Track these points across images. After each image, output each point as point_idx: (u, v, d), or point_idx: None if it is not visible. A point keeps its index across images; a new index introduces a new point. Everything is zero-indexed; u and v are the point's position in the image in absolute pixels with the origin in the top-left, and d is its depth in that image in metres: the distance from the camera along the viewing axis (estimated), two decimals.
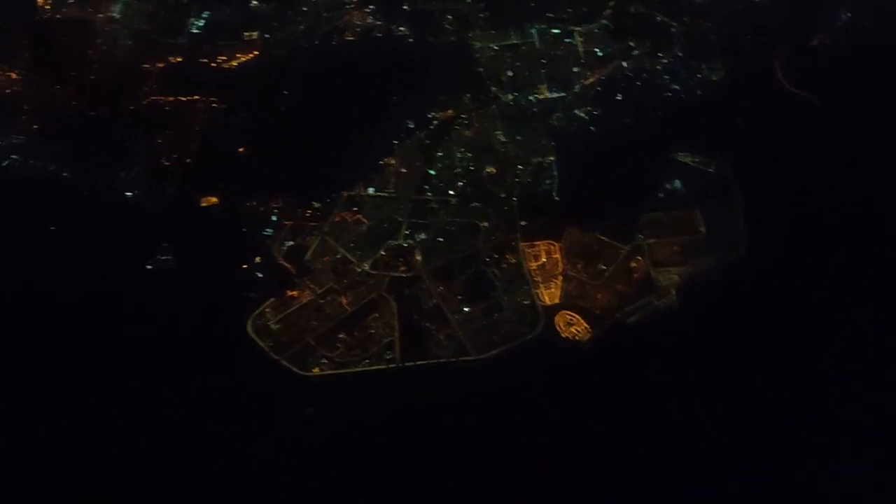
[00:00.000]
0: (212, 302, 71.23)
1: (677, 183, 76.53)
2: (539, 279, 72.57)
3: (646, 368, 69.26)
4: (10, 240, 73.61)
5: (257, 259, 73.63)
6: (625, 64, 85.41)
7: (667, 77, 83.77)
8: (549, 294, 71.77)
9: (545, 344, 70.78)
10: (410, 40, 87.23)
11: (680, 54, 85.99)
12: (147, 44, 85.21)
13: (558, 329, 69.92)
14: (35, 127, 79.80)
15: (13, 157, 77.73)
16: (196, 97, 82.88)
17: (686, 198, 77.19)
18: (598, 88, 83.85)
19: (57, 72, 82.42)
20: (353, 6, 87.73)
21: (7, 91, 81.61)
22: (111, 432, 66.24)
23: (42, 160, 78.06)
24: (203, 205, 76.56)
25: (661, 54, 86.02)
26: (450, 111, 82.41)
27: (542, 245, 74.47)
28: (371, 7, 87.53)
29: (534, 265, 73.16)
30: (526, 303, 72.03)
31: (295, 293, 71.73)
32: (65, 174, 77.44)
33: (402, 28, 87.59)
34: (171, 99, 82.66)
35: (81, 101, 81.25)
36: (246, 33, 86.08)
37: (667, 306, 72.34)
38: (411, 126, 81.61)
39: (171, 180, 78.04)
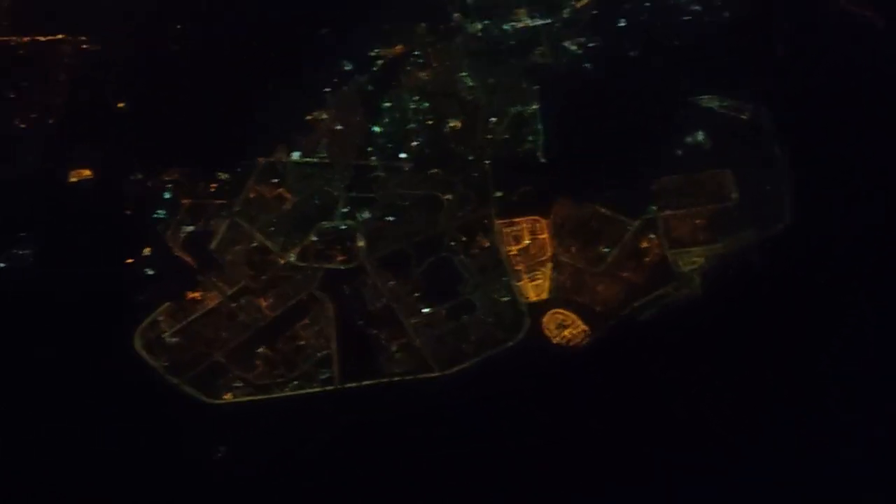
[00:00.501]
0: (86, 310, 68.74)
1: (701, 135, 74.99)
2: (522, 268, 71.02)
3: (662, 379, 67.69)
4: None
5: (146, 251, 71.22)
6: None
7: None
8: (536, 287, 70.26)
9: (531, 353, 68.75)
10: None
11: None
12: None
13: (548, 333, 68.46)
14: None
15: None
16: (60, 36, 79.96)
17: (713, 155, 75.34)
18: (595, 12, 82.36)
19: None
20: None
21: None
22: None
23: None
24: (72, 180, 74.19)
25: None
26: (399, 47, 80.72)
27: (524, 223, 72.80)
28: None
29: (514, 249, 71.63)
30: (505, 300, 70.52)
31: (198, 295, 69.85)
32: None
33: None
34: (26, 40, 79.63)
35: None
36: None
37: (689, 299, 68.79)
38: (348, 68, 79.77)
39: (30, 149, 74.51)
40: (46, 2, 79.63)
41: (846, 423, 66.07)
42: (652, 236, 70.84)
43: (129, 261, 69.87)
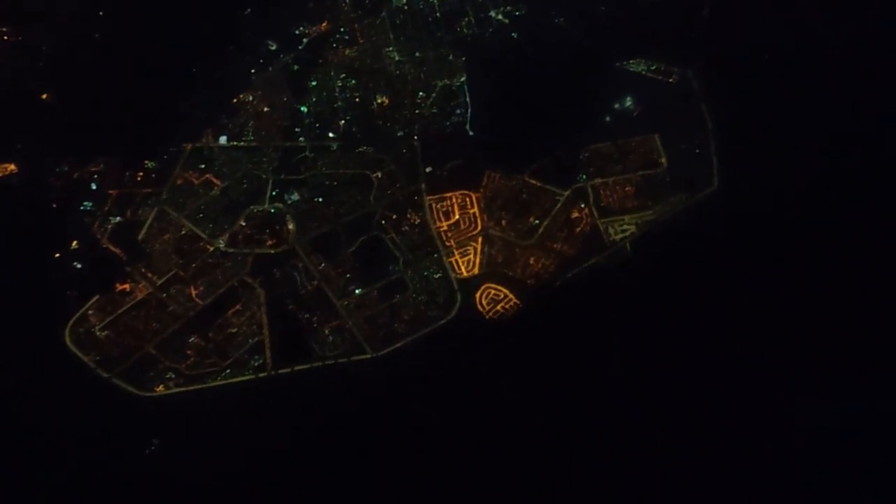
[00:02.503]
0: (13, 306, 67.39)
1: (628, 101, 73.88)
2: (453, 243, 70.05)
3: (594, 350, 67.27)
4: None
5: (74, 244, 69.54)
6: None
7: None
8: (467, 262, 69.30)
9: (464, 331, 67.58)
10: None
11: None
12: None
13: (480, 309, 67.24)
14: None
15: None
16: None
17: (641, 120, 74.04)
18: None
19: None
20: None
21: None
22: None
23: None
24: None
25: None
26: (324, 24, 79.09)
27: (454, 197, 71.62)
28: None
29: (444, 225, 70.45)
30: (437, 276, 69.66)
31: (127, 286, 68.52)
32: None
33: None
34: None
35: None
36: None
37: (619, 267, 68.07)
38: (273, 48, 77.84)
39: None
40: None
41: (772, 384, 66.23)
42: (582, 206, 69.72)
43: (57, 255, 66.46)
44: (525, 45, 76.44)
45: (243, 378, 65.56)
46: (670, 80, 74.01)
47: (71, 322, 66.47)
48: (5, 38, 75.43)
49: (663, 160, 71.07)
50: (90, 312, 66.80)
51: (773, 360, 65.34)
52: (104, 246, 68.78)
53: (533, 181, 70.77)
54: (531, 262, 67.82)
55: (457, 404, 64.77)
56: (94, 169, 71.28)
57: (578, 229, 69.02)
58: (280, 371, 65.95)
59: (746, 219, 69.43)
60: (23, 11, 76.47)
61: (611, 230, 68.93)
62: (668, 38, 75.67)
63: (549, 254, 68.26)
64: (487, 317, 66.74)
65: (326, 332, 66.40)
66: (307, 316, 66.71)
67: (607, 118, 72.97)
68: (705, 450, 64.45)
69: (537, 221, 69.05)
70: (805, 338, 65.47)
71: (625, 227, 68.94)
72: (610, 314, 67.26)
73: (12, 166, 70.91)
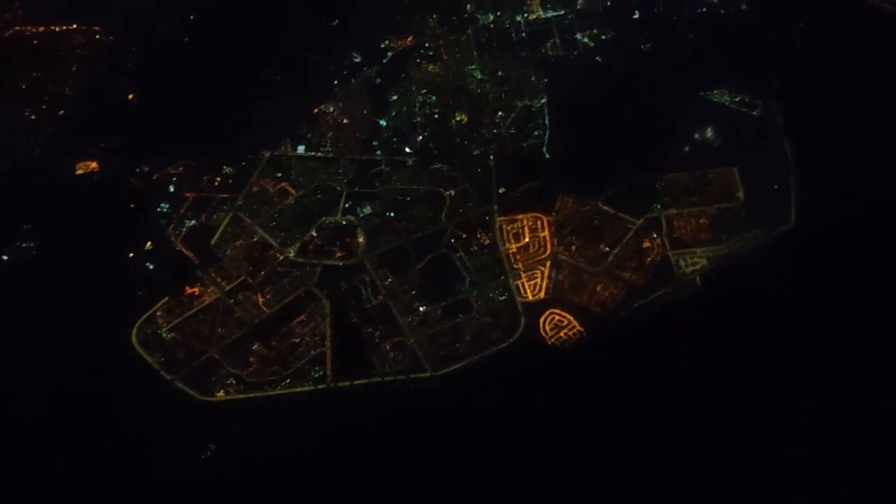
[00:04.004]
0: (85, 303, 68.24)
1: (709, 132, 72.31)
2: (521, 266, 69.19)
3: (657, 382, 66.09)
4: None
5: (148, 245, 70.28)
6: None
7: None
8: (534, 286, 68.43)
9: (526, 355, 66.67)
10: None
11: None
12: None
13: (543, 334, 66.36)
14: None
15: None
16: (74, 26, 79.11)
17: (720, 152, 72.72)
18: (609, 3, 79.96)
19: None
20: None
21: None
22: None
23: None
24: (78, 172, 73.34)
25: None
26: (410, 39, 79.18)
27: (525, 219, 70.78)
28: None
29: (514, 247, 69.74)
30: (502, 298, 68.76)
31: (196, 290, 68.84)
32: None
33: None
34: (41, 29, 79.13)
35: None
36: None
37: (688, 299, 66.83)
38: (357, 60, 78.01)
39: (37, 139, 73.58)
40: None
41: (844, 422, 63.92)
42: (654, 236, 68.26)
43: (131, 255, 67.17)
44: (609, 69, 74.14)
45: (303, 389, 64.39)
46: (753, 112, 72.76)
47: (139, 322, 66.41)
48: (97, 37, 76.38)
49: (740, 194, 69.73)
50: (158, 314, 67.21)
51: (843, 402, 62.77)
52: (177, 248, 69.04)
53: (606, 208, 69.83)
54: (598, 289, 66.81)
55: (513, 429, 63.53)
56: (173, 171, 71.79)
57: (649, 259, 67.81)
58: (339, 384, 63.66)
59: (822, 259, 67.47)
60: (115, 13, 76.60)
61: (682, 262, 67.58)
62: (754, 71, 73.49)
63: (618, 282, 67.11)
64: (550, 342, 65.91)
65: (388, 347, 66.11)
66: (370, 330, 66.56)
67: (686, 148, 71.46)
68: (772, 487, 62.67)
69: (608, 249, 68.12)
70: (879, 382, 62.80)
71: (696, 259, 67.61)
72: (675, 348, 65.58)
73: (94, 164, 71.94)
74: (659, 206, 69.69)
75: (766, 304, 67.16)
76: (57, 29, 76.61)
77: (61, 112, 73.44)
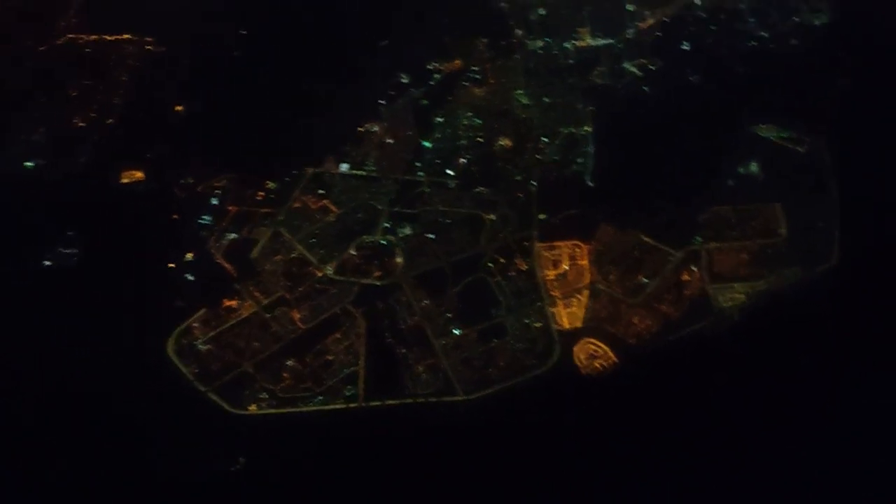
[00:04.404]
0: (125, 311, 68.41)
1: (754, 166, 71.91)
2: (558, 293, 68.66)
3: (690, 415, 64.99)
4: None
5: (188, 256, 70.33)
6: (697, 0, 79.61)
7: (753, 20, 78.62)
8: (570, 314, 67.93)
9: (559, 382, 66.11)
10: None
11: None
12: None
13: (577, 363, 66.07)
14: None
15: None
16: (127, 36, 79.88)
17: (764, 187, 71.93)
18: (658, 34, 79.73)
19: None
20: None
21: None
22: None
23: None
24: (124, 181, 73.91)
25: None
26: (457, 62, 79.24)
27: (565, 247, 70.37)
28: None
29: (552, 274, 69.23)
30: (538, 325, 68.12)
31: (234, 303, 68.79)
32: None
33: None
34: (95, 38, 79.91)
35: None
36: None
37: (724, 335, 66.06)
38: (404, 81, 78.07)
39: (85, 147, 74.43)
40: (117, 1, 77.29)
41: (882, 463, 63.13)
42: (694, 269, 67.67)
43: (171, 266, 67.51)
44: (656, 99, 73.87)
45: (334, 406, 64.31)
46: (800, 149, 71.83)
47: (176, 332, 66.39)
48: (149, 48, 76.77)
49: (783, 230, 69.17)
50: (195, 325, 67.37)
51: (877, 443, 62.72)
52: (217, 261, 68.77)
53: (647, 239, 69.41)
54: (635, 320, 66.40)
55: (542, 458, 63.28)
56: (217, 184, 72.18)
57: (687, 292, 67.46)
58: (370, 403, 63.60)
59: (863, 300, 67.03)
60: (168, 25, 77.25)
61: (720, 297, 67.22)
62: (802, 107, 72.94)
63: (654, 314, 66.80)
64: (583, 372, 65.50)
65: (421, 369, 65.92)
66: (404, 351, 66.43)
67: (731, 182, 70.68)
68: None
69: (646, 280, 67.77)
70: None
71: (735, 295, 67.29)
72: (710, 382, 65.12)
73: (139, 174, 72.39)
74: (700, 239, 69.20)
75: (804, 342, 66.47)
76: (109, 38, 77.36)
77: (109, 121, 73.15)
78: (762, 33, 75.65)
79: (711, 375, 65.71)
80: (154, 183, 72.70)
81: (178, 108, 73.83)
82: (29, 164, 72.62)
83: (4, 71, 75.82)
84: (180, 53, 76.43)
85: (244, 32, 77.52)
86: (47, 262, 69.51)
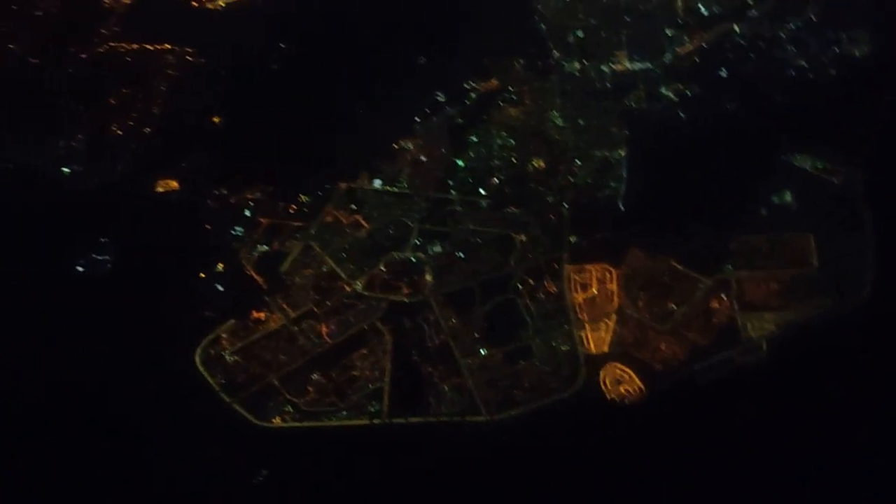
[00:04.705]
0: (154, 319, 69.20)
1: (788, 196, 71.04)
2: (586, 317, 68.32)
3: (714, 445, 64.67)
4: None
5: (220, 266, 70.29)
6: (737, 28, 79.86)
7: (792, 49, 77.84)
8: (597, 339, 67.66)
9: (583, 406, 66.07)
10: None
11: (813, 18, 79.42)
12: None
13: (603, 388, 65.80)
14: None
15: None
16: (167, 46, 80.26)
17: (798, 217, 70.98)
18: (697, 60, 78.85)
19: None
20: None
21: None
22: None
23: None
24: (159, 190, 74.10)
25: (787, 17, 79.19)
26: (494, 81, 78.68)
27: (594, 270, 69.92)
28: None
29: (580, 297, 68.86)
30: (565, 348, 67.94)
31: (262, 315, 69.10)
32: None
33: None
34: (136, 46, 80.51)
35: (16, 37, 79.49)
36: None
37: (751, 365, 65.40)
38: (440, 99, 77.72)
39: (121, 154, 74.77)
40: (158, 11, 77.87)
41: None
42: (723, 297, 67.02)
43: (202, 276, 67.49)
44: (691, 125, 73.54)
45: (357, 422, 64.03)
46: (834, 180, 70.94)
47: (204, 342, 66.95)
48: (189, 59, 77.14)
49: (815, 261, 68.31)
50: (223, 336, 67.89)
51: None
52: (248, 272, 68.64)
53: (677, 265, 68.94)
54: (662, 347, 66.01)
55: (565, 480, 63.49)
56: (250, 196, 72.37)
57: (716, 320, 67.12)
58: (393, 420, 63.93)
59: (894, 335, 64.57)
60: (209, 36, 77.82)
61: (749, 326, 66.66)
62: (838, 137, 72.43)
63: (682, 341, 66.31)
64: (609, 397, 65.14)
65: (446, 388, 66.10)
66: (429, 369, 66.53)
67: (763, 210, 70.02)
68: None
69: (675, 306, 67.13)
70: None
71: (764, 324, 66.79)
72: (735, 411, 65.01)
73: (174, 183, 72.72)
74: (730, 267, 68.72)
75: (834, 374, 66.19)
76: (151, 48, 77.50)
77: (147, 130, 73.55)
78: (801, 62, 74.35)
79: (737, 404, 64.90)
80: (188, 193, 71.55)
81: (216, 119, 73.01)
82: (66, 169, 72.05)
83: (46, 77, 74.77)
84: (219, 65, 76.10)
85: (283, 46, 75.53)
86: (80, 268, 69.17)
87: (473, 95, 77.10)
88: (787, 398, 65.65)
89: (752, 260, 69.18)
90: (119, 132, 75.26)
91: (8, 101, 77.09)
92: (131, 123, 75.55)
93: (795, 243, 69.52)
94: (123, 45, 79.10)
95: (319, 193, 73.20)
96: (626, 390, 65.58)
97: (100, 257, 70.02)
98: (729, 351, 67.41)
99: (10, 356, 67.01)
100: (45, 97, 77.45)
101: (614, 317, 67.95)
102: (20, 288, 69.56)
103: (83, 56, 78.30)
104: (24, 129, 75.81)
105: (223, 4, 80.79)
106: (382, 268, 69.92)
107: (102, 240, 70.75)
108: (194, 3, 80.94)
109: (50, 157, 74.69)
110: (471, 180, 73.57)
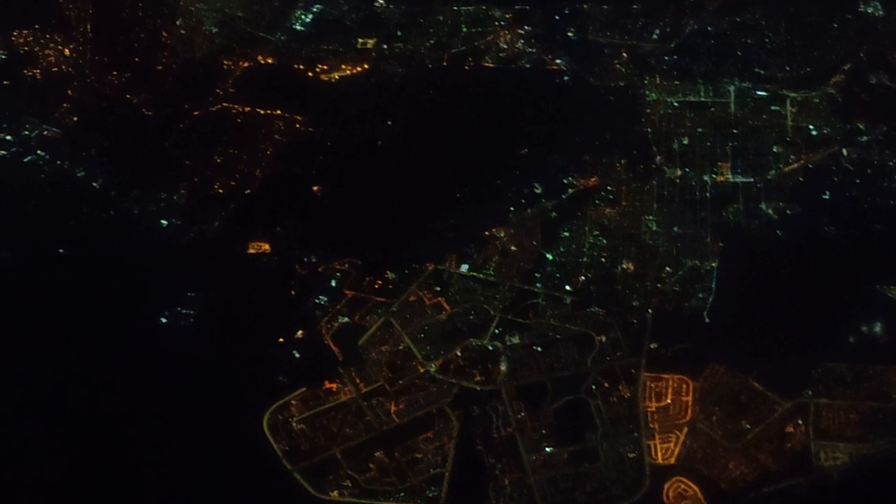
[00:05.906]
0: (227, 378, 69.54)
1: (878, 327, 68.77)
2: (656, 426, 66.71)
3: None
4: (11, 257, 73.46)
5: (299, 333, 70.19)
6: (845, 151, 78.46)
7: None
8: (665, 450, 65.97)
9: None
10: (566, 78, 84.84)
11: None
12: (236, 34, 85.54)
13: (665, 501, 63.84)
14: (75, 119, 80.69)
15: (39, 152, 78.66)
16: (278, 111, 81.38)
17: (885, 349, 68.67)
18: (801, 179, 77.25)
19: (118, 53, 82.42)
20: (503, 24, 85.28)
21: (54, 70, 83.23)
22: None
23: (72, 162, 78.78)
24: (251, 251, 74.53)
25: None
26: (593, 179, 78.43)
27: (671, 380, 68.53)
28: (527, 28, 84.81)
29: (654, 406, 67.38)
30: (631, 455, 66.46)
31: (334, 386, 69.04)
32: (94, 185, 77.70)
33: (558, 60, 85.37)
34: (247, 109, 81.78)
35: (138, 94, 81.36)
36: (360, 40, 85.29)
37: (821, 495, 63.24)
38: (538, 191, 77.68)
39: (220, 212, 75.22)
40: (274, 77, 78.85)
41: None
42: (799, 422, 65.11)
43: (281, 340, 67.66)
44: (787, 245, 72.10)
45: None
46: None
47: (273, 407, 66.74)
48: (297, 126, 78.03)
49: None
50: (293, 402, 67.83)
51: None
52: (325, 342, 68.46)
53: (756, 385, 67.19)
54: (730, 466, 64.49)
55: None
56: (338, 267, 72.73)
57: (789, 445, 65.38)
58: None
59: None
60: (319, 106, 78.81)
61: (822, 454, 64.65)
62: None
63: (752, 462, 64.66)
64: None
65: (506, 481, 65.08)
66: (492, 461, 65.61)
67: (851, 338, 67.91)
68: None
69: (748, 426, 65.30)
70: None
71: (838, 454, 64.66)
72: None
73: (267, 246, 73.26)
74: (810, 393, 66.80)
75: None
76: (261, 111, 78.22)
77: (248, 191, 74.18)
78: None
79: None
80: (278, 257, 72.07)
81: (316, 188, 73.52)
82: (164, 221, 72.76)
83: (160, 130, 76.18)
84: (326, 135, 76.13)
85: (390, 123, 76.03)
86: (164, 319, 69.31)
87: (571, 191, 75.96)
88: None
89: (833, 388, 67.49)
90: (220, 190, 75.41)
91: (118, 150, 77.53)
92: (233, 183, 76.18)
93: (880, 376, 67.79)
94: (236, 106, 79.67)
95: (406, 272, 72.21)
96: None
97: (184, 311, 70.24)
98: (799, 478, 63.83)
99: (81, 395, 66.88)
100: (154, 149, 77.42)
101: (685, 429, 66.49)
102: (104, 334, 69.77)
103: (196, 113, 78.50)
104: (129, 178, 75.96)
105: (337, 77, 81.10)
106: (458, 352, 68.52)
107: (190, 294, 69.93)
108: (309, 74, 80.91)
109: (150, 207, 74.09)
110: (558, 275, 73.11)
